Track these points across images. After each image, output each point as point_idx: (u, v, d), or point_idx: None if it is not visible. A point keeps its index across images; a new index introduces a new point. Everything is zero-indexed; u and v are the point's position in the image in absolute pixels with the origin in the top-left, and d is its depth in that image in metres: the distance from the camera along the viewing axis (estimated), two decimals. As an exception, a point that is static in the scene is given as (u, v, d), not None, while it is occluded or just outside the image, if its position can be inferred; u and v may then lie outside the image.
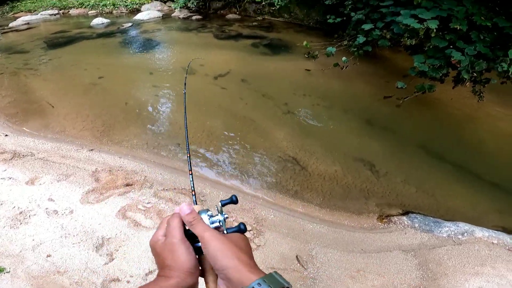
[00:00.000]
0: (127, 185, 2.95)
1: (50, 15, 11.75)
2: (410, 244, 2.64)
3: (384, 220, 2.87)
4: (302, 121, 4.38)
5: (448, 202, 3.15)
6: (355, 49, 5.18)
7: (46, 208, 2.63)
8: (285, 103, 4.78)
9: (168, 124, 4.32)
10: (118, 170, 3.16)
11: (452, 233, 2.66)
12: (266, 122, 4.29)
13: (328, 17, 6.84)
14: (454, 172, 3.49)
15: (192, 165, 3.25)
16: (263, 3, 9.85)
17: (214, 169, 3.50)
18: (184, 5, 10.98)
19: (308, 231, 2.76)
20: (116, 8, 12.02)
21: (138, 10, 11.57)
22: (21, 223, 2.54)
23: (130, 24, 9.55)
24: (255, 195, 3.19)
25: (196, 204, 0.76)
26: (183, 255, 0.59)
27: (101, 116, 4.38)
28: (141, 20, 10.12)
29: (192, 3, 10.80)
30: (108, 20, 10.10)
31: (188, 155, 1.06)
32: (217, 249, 0.58)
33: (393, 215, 2.92)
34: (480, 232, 2.64)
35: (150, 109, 4.67)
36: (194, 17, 10.22)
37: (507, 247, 2.54)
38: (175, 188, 3.01)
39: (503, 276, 2.28)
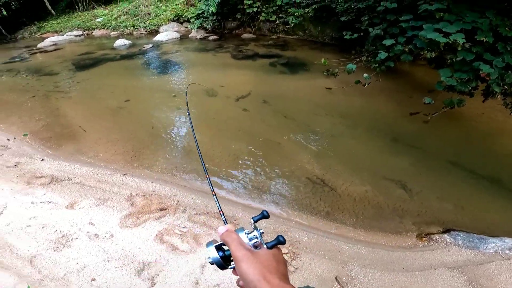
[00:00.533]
0: (162, 209, 2.99)
1: (75, 36, 12.42)
2: (455, 261, 2.56)
3: (424, 238, 2.79)
4: (326, 142, 4.36)
5: (487, 217, 3.05)
6: (377, 65, 5.18)
7: (88, 232, 2.70)
8: (308, 124, 4.79)
9: (195, 147, 4.38)
10: (151, 194, 3.22)
11: (499, 248, 2.57)
12: (290, 144, 4.29)
13: (344, 33, 6.91)
14: (489, 187, 3.39)
15: (222, 189, 3.24)
16: (277, 21, 10.07)
17: (244, 192, 3.51)
18: (200, 25, 11.35)
19: (345, 252, 2.71)
20: (136, 29, 12.56)
21: (156, 31, 12.03)
22: (64, 246, 2.60)
23: (150, 45, 9.92)
24: (286, 217, 3.18)
25: (226, 223, 0.78)
26: None
27: (130, 140, 4.50)
28: (161, 41, 10.51)
29: (208, 23, 11.14)
30: (130, 41, 10.54)
31: (208, 176, 1.11)
32: (246, 271, 0.60)
33: (433, 233, 2.84)
34: (528, 248, 2.54)
35: (176, 132, 4.77)
36: (210, 37, 10.54)
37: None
38: (208, 212, 3.03)
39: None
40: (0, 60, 9.68)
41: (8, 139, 4.70)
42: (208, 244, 0.72)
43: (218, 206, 0.94)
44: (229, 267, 0.71)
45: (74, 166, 3.83)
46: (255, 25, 10.81)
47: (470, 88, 3.93)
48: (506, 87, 3.66)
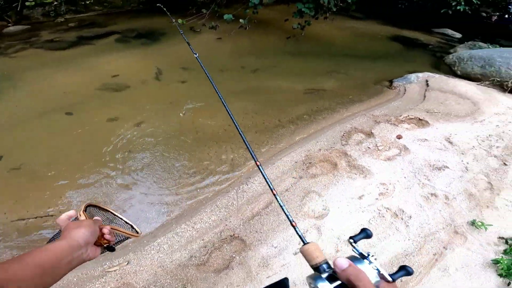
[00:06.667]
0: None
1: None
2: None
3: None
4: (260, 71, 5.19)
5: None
6: (247, 10, 5.92)
7: None
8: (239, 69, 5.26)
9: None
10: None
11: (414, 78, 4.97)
12: (257, 79, 4.80)
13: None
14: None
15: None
16: (55, 2, 7.52)
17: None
18: None
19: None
20: None
21: None
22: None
23: None
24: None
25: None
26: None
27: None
28: None
29: None
30: None
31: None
32: None
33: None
34: None
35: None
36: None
37: None
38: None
39: None
40: None
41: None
42: (317, 280, 0.55)
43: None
44: None
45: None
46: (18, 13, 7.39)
47: (314, 13, 5.94)
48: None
